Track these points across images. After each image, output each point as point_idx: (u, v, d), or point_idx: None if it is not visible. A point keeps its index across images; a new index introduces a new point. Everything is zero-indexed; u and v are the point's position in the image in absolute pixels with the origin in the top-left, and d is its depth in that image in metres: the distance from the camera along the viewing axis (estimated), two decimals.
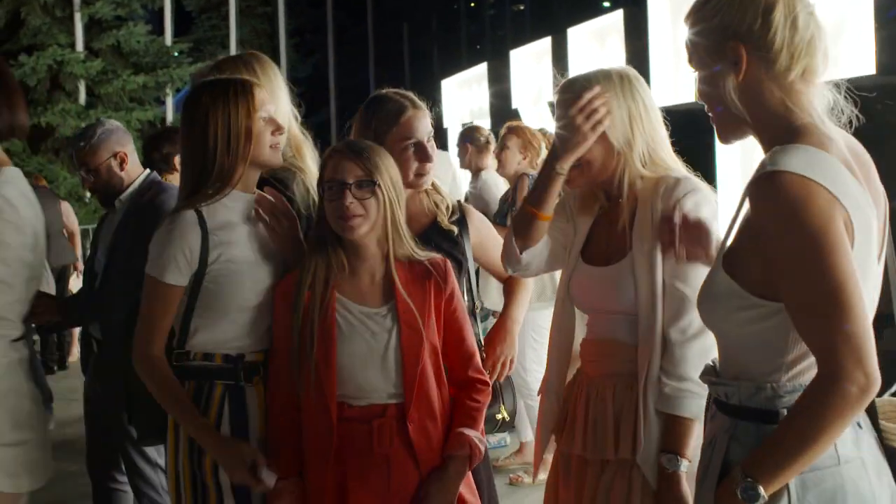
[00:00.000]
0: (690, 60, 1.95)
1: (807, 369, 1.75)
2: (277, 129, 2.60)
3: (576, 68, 8.92)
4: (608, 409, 2.42)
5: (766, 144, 1.85)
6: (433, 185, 2.92)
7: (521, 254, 2.59)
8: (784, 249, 1.70)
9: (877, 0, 4.97)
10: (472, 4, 35.73)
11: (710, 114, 1.95)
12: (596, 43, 8.68)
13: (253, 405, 2.55)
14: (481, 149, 6.60)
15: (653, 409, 2.34)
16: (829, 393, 1.63)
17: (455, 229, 2.91)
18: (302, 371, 2.45)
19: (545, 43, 9.90)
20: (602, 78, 2.45)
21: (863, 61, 5.07)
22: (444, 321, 2.52)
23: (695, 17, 1.91)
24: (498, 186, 6.48)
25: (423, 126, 2.81)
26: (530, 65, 10.39)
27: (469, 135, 6.69)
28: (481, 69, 12.60)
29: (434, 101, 2.97)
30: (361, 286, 2.50)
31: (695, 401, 2.28)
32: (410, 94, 2.86)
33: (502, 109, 10.90)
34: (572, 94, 2.41)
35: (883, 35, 4.95)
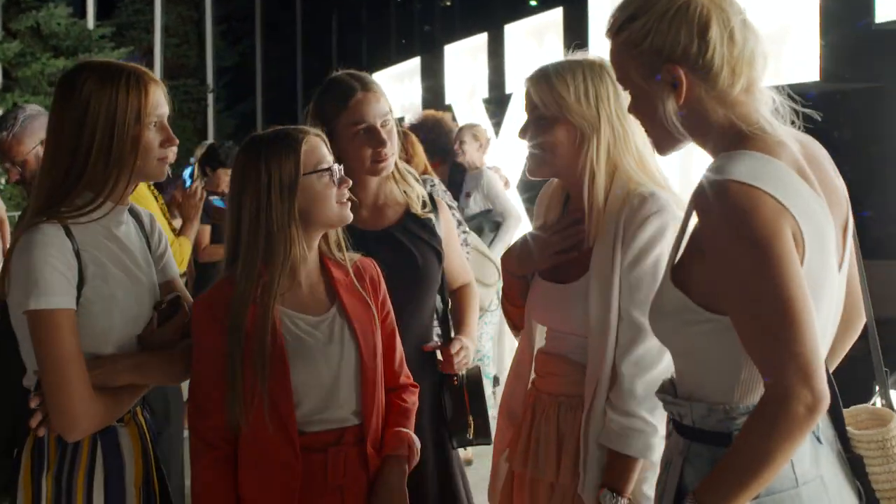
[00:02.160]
0: (620, 80, 1.84)
1: (757, 388, 1.66)
2: (168, 140, 2.22)
3: (512, 65, 8.94)
4: (552, 431, 2.34)
5: (714, 153, 1.75)
6: (402, 171, 2.75)
7: (515, 333, 2.61)
8: (728, 262, 1.61)
9: (822, 7, 4.97)
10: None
11: (644, 127, 1.86)
12: (534, 40, 8.61)
13: (127, 447, 2.16)
14: (481, 147, 6.48)
15: (595, 440, 2.25)
16: (777, 413, 1.55)
17: (432, 217, 2.75)
18: (249, 401, 2.10)
19: (481, 39, 9.81)
20: (569, 66, 2.31)
21: (807, 67, 5.06)
22: (381, 323, 2.33)
23: (618, 35, 1.78)
24: (500, 184, 6.39)
25: (376, 109, 2.61)
26: (465, 60, 10.30)
27: (472, 131, 6.51)
28: (414, 63, 12.50)
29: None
30: (301, 293, 2.22)
31: (640, 439, 2.19)
32: (364, 76, 2.68)
33: (435, 105, 10.78)
34: (545, 84, 2.28)
35: (827, 42, 4.93)
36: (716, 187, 1.61)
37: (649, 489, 2.21)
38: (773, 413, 1.55)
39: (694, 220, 1.74)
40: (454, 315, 2.85)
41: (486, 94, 9.50)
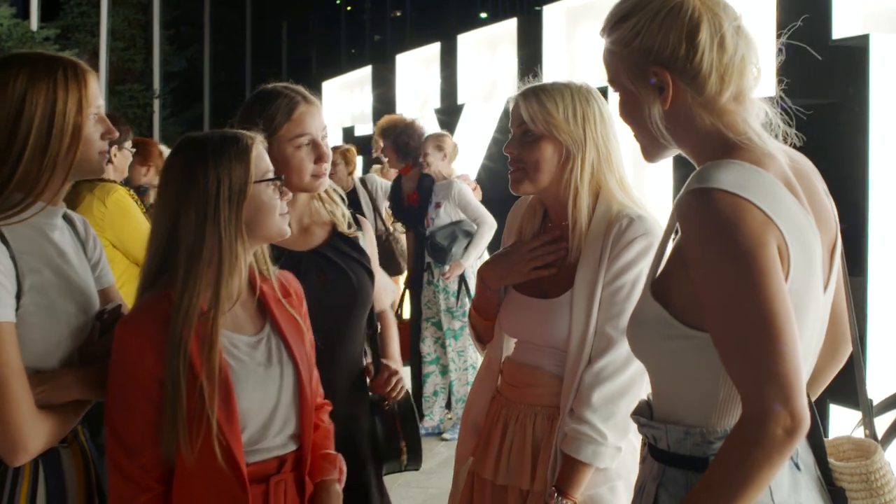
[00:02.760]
0: (610, 81, 1.78)
1: (738, 410, 1.58)
2: (108, 131, 2.12)
3: (465, 75, 8.86)
4: (527, 438, 2.37)
5: (700, 163, 1.69)
6: (328, 189, 2.64)
7: (484, 350, 2.58)
8: (709, 274, 1.53)
9: (778, 23, 4.94)
10: (349, 8, 35.51)
11: (633, 133, 1.80)
12: (487, 51, 8.54)
13: (70, 470, 2.03)
14: (446, 157, 6.45)
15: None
16: (754, 436, 1.47)
17: (360, 235, 2.67)
18: (194, 432, 1.90)
19: (434, 48, 9.72)
20: (559, 87, 2.40)
21: (762, 83, 5.03)
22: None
23: (611, 34, 1.74)
24: (470, 192, 6.37)
25: (318, 122, 2.53)
26: (417, 70, 10.20)
27: (436, 142, 6.46)
28: (365, 72, 12.36)
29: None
30: (235, 311, 2.05)
31: (591, 446, 2.24)
32: (301, 89, 2.57)
33: (386, 114, 10.66)
34: (535, 101, 2.35)
35: (783, 57, 4.90)
36: (700, 196, 1.54)
37: (612, 497, 2.31)
38: (750, 436, 1.48)
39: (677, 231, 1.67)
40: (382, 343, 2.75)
41: (437, 105, 9.41)
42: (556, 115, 2.32)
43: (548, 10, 7.19)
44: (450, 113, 8.90)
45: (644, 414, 1.76)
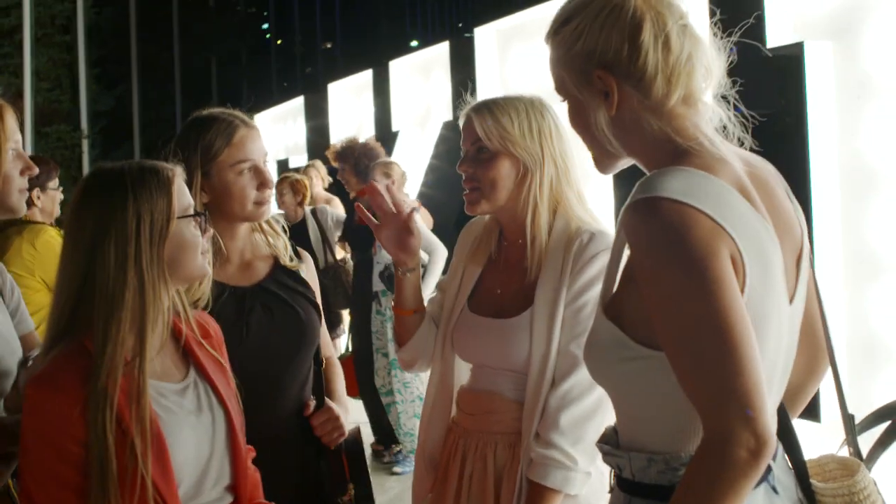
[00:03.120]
0: (556, 88, 1.70)
1: (699, 433, 1.47)
2: (28, 167, 2.04)
3: (398, 102, 8.77)
4: (488, 468, 2.27)
5: (650, 171, 1.59)
6: (269, 220, 2.50)
7: (398, 350, 2.50)
8: (659, 288, 1.44)
9: (712, 31, 4.91)
10: (279, 42, 35.38)
11: (585, 143, 1.71)
12: (420, 76, 8.46)
13: None
14: (394, 183, 6.35)
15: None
16: (716, 460, 1.37)
17: (302, 268, 2.53)
18: (122, 494, 1.72)
19: (366, 76, 9.62)
20: (511, 101, 2.32)
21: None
22: None
23: (554, 39, 1.66)
24: (420, 221, 6.19)
25: (259, 147, 2.39)
26: (349, 98, 10.10)
27: (384, 169, 6.39)
28: (297, 103, 12.23)
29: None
30: (157, 357, 1.89)
31: (560, 471, 2.15)
32: (239, 113, 2.44)
33: (320, 145, 10.55)
34: (489, 117, 2.27)
35: (734, 59, 4.87)
36: (644, 206, 1.44)
37: None
38: (712, 460, 1.37)
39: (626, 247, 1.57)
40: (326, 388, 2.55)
41: (372, 132, 9.30)
42: (511, 131, 2.24)
43: (479, 33, 7.13)
44: (385, 140, 8.77)
45: (610, 441, 1.65)
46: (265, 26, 37.46)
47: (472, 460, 2.29)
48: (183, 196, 1.89)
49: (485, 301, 2.35)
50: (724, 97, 1.62)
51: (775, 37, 4.30)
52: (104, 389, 1.72)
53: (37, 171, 2.09)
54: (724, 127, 1.61)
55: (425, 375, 6.17)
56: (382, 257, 6.17)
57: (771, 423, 1.37)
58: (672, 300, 1.42)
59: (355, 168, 6.58)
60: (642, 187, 1.47)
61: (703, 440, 1.40)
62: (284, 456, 2.31)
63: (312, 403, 2.38)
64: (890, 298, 3.92)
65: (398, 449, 6.46)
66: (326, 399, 2.42)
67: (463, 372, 2.43)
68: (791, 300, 1.56)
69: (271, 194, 2.40)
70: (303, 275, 2.50)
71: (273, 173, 11.01)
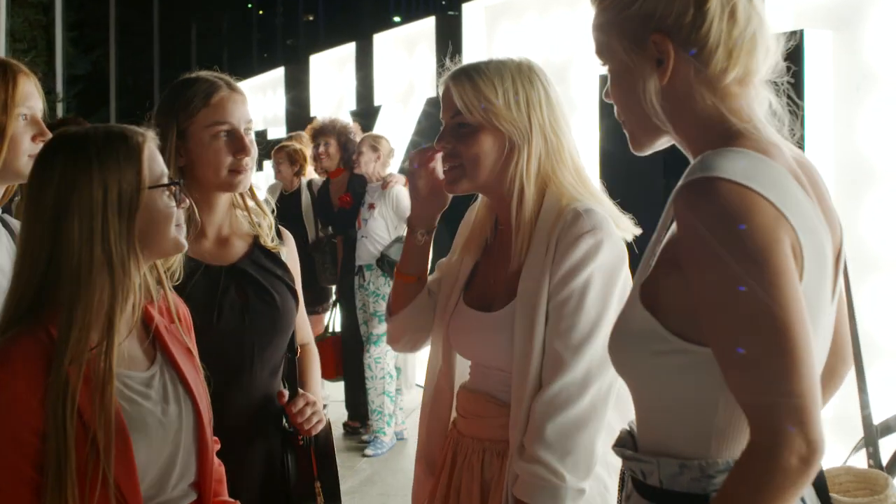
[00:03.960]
0: (599, 52, 1.55)
1: (741, 438, 1.37)
2: (41, 133, 1.99)
3: (381, 76, 8.61)
4: (475, 478, 2.04)
5: (694, 154, 1.47)
6: (258, 200, 2.34)
7: (388, 318, 2.25)
8: (713, 276, 1.31)
9: None
10: (261, 12, 35.02)
11: (620, 118, 1.56)
12: (404, 50, 8.30)
13: None
14: (380, 158, 6.27)
15: None
16: (765, 466, 1.26)
17: (283, 251, 2.35)
18: (81, 492, 1.56)
19: (349, 49, 9.45)
20: (496, 66, 2.03)
21: None
22: None
23: (608, 1, 1.51)
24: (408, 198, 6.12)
25: (240, 112, 2.21)
26: (331, 71, 9.93)
27: (372, 143, 6.27)
28: (277, 74, 12.04)
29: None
30: (122, 343, 1.71)
31: (547, 490, 1.88)
32: (226, 76, 2.27)
33: (299, 117, 10.38)
34: (469, 86, 2.00)
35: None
36: (702, 186, 1.31)
37: None
38: (760, 466, 1.26)
39: (671, 228, 1.45)
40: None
41: (353, 106, 9.15)
42: (494, 102, 1.98)
43: (467, 9, 6.99)
44: (366, 115, 8.64)
45: (627, 445, 1.52)
46: None
47: (459, 468, 2.09)
48: (155, 164, 1.72)
49: (478, 293, 2.13)
50: (774, 83, 1.50)
51: (775, 24, 4.19)
52: (66, 378, 1.57)
53: (49, 136, 1.99)
54: (774, 113, 1.49)
55: (398, 354, 6.12)
56: (367, 230, 6.06)
57: (823, 429, 1.27)
58: (728, 290, 1.29)
59: (345, 146, 6.46)
60: (700, 166, 1.34)
61: (750, 444, 1.29)
62: (249, 448, 2.16)
63: (286, 394, 2.23)
64: (883, 295, 3.84)
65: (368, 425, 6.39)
66: (300, 390, 2.26)
67: (465, 369, 2.19)
68: (832, 299, 1.46)
69: (250, 163, 2.21)
70: (283, 257, 2.34)
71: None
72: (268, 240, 2.30)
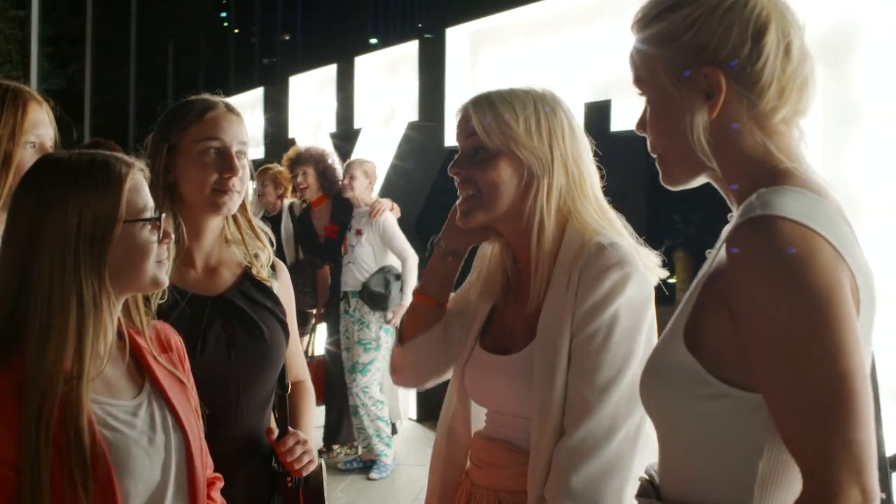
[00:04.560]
0: (639, 81, 1.50)
1: (787, 486, 1.33)
2: None
3: (362, 99, 8.56)
4: None
5: (738, 192, 1.42)
6: (255, 229, 2.26)
7: (401, 346, 2.09)
8: (770, 319, 1.26)
9: None
10: (236, 31, 34.94)
11: (655, 151, 1.51)
12: (386, 74, 8.26)
13: None
14: (371, 183, 6.24)
15: None
16: None
17: (275, 283, 2.26)
18: None
19: (330, 71, 9.39)
20: (518, 94, 1.94)
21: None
22: None
23: (653, 26, 1.45)
24: (395, 225, 6.11)
25: (234, 131, 2.14)
26: (311, 93, 9.87)
27: (363, 167, 6.22)
28: (256, 94, 11.97)
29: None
30: (104, 372, 1.67)
31: None
32: (228, 100, 2.21)
33: (278, 138, 10.30)
34: (490, 110, 1.91)
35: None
36: (763, 224, 1.27)
37: None
38: None
39: (714, 264, 1.41)
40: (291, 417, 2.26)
41: (333, 129, 9.09)
42: (515, 127, 1.88)
43: (451, 33, 6.96)
44: (346, 137, 8.59)
45: (649, 495, 1.46)
46: (225, 14, 36.98)
47: None
48: (138, 196, 1.66)
49: (495, 336, 2.02)
50: None
51: None
52: (38, 410, 1.52)
53: None
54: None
55: (382, 378, 6.03)
56: (354, 256, 6.00)
57: (877, 478, 1.23)
58: (787, 334, 1.25)
59: (324, 174, 6.39)
60: (759, 204, 1.30)
61: (805, 494, 1.24)
62: (231, 489, 2.04)
63: (275, 431, 2.13)
64: (881, 332, 3.80)
65: (340, 451, 6.35)
66: (290, 428, 2.16)
67: (480, 415, 2.07)
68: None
69: (237, 185, 2.13)
70: (275, 290, 2.25)
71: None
72: (262, 272, 2.22)
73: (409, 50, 7.90)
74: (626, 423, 1.77)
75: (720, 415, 1.34)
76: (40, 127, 2.04)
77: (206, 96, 2.18)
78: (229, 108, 2.17)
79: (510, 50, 6.39)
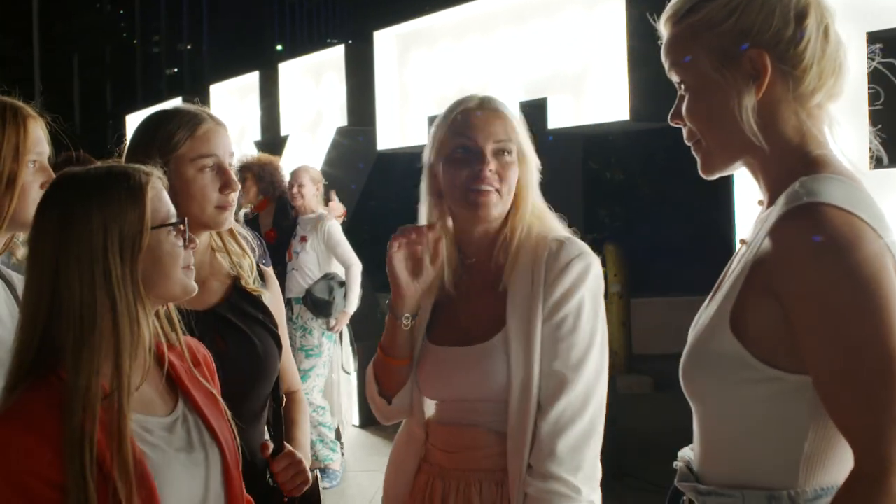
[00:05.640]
0: (677, 69, 1.54)
1: (830, 465, 1.38)
2: (49, 181, 1.88)
3: (288, 105, 8.48)
4: None
5: (773, 179, 1.47)
6: (236, 235, 2.22)
7: (390, 404, 2.16)
8: (818, 303, 1.31)
9: (630, 45, 4.86)
10: (135, 42, 34.36)
11: (693, 139, 1.55)
12: (311, 79, 8.20)
13: None
14: (318, 191, 6.18)
15: None
16: (872, 491, 1.26)
17: (265, 293, 2.22)
18: None
19: (252, 78, 9.29)
20: (500, 100, 2.11)
21: (616, 107, 4.94)
22: None
23: (693, 15, 1.50)
24: (340, 232, 6.08)
25: (225, 145, 2.10)
26: (233, 101, 9.74)
27: (313, 175, 6.18)
28: (175, 104, 11.74)
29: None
30: (141, 387, 1.65)
31: (561, 503, 1.91)
32: (208, 110, 2.16)
33: None
34: (505, 115, 2.07)
35: (636, 80, 4.82)
36: (810, 212, 1.32)
37: None
38: (867, 491, 1.26)
39: (753, 253, 1.43)
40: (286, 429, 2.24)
41: (258, 136, 8.99)
42: (521, 132, 2.07)
43: (378, 36, 6.95)
44: (272, 144, 8.50)
45: (689, 479, 1.48)
46: (130, 25, 36.28)
47: (455, 501, 2.05)
48: (160, 203, 1.64)
49: (447, 330, 2.11)
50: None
51: None
52: (81, 427, 1.49)
53: None
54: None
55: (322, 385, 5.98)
56: (298, 263, 5.96)
57: None
58: (838, 316, 1.29)
59: (261, 178, 6.33)
60: (804, 191, 1.35)
61: (857, 471, 1.28)
62: None
63: (270, 446, 2.07)
64: None
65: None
66: (286, 444, 2.11)
67: (428, 405, 2.17)
68: None
69: (235, 199, 2.10)
70: (265, 300, 2.22)
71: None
72: (249, 281, 2.18)
73: (334, 55, 7.86)
74: (596, 393, 1.98)
75: (766, 398, 1.38)
76: (40, 144, 1.97)
77: (187, 108, 2.12)
78: (215, 120, 2.12)
79: (440, 51, 6.40)
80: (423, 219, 2.14)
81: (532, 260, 2.02)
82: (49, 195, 1.62)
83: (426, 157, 2.14)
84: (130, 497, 1.50)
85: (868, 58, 1.58)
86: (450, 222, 2.12)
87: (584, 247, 2.04)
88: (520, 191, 2.07)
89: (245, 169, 6.31)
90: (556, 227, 2.10)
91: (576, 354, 1.96)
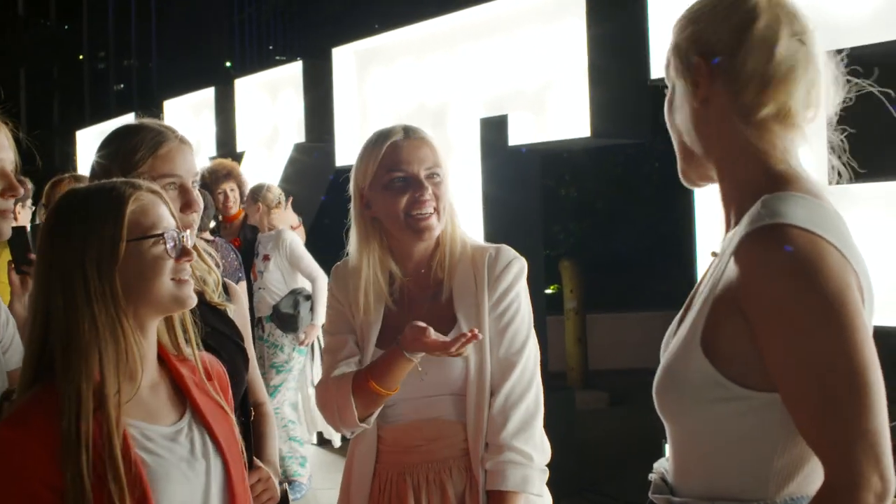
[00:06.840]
0: (665, 73, 1.61)
1: (801, 477, 1.41)
2: (10, 188, 1.90)
3: (244, 122, 8.45)
4: (447, 494, 2.21)
5: (737, 193, 1.49)
6: (200, 251, 2.21)
7: (361, 422, 2.24)
8: (785, 323, 1.34)
9: (591, 62, 4.90)
10: (80, 57, 34.00)
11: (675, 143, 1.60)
12: (268, 95, 8.17)
13: None
14: (269, 209, 6.12)
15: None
16: None
17: (230, 307, 2.22)
18: None
19: (207, 94, 9.23)
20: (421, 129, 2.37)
21: (576, 124, 4.98)
22: None
23: (677, 23, 1.57)
24: (301, 246, 6.05)
25: (189, 165, 2.09)
26: (187, 116, 9.68)
27: (259, 193, 6.12)
28: (127, 121, 11.63)
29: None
30: (142, 397, 1.69)
31: (517, 471, 2.15)
32: (174, 127, 2.14)
33: None
34: (431, 142, 2.33)
35: (596, 97, 4.87)
36: (772, 233, 1.34)
37: None
38: None
39: (722, 275, 1.44)
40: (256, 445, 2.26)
41: (213, 152, 8.93)
42: (442, 155, 2.31)
43: (337, 53, 6.95)
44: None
45: (663, 492, 1.51)
46: (78, 40, 35.88)
47: (427, 492, 2.22)
48: (144, 216, 1.65)
49: (391, 338, 2.22)
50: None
51: (660, 69, 4.32)
52: (76, 431, 1.54)
53: (21, 192, 1.95)
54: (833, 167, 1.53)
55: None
56: (264, 282, 5.94)
57: (892, 465, 1.30)
58: (803, 335, 1.32)
59: (240, 184, 6.29)
60: (765, 213, 1.37)
61: (827, 485, 1.31)
62: None
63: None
64: None
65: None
66: (255, 459, 2.12)
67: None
68: None
69: (196, 219, 2.08)
70: (230, 314, 2.21)
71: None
72: (214, 296, 2.17)
73: (292, 71, 7.84)
74: (537, 372, 2.26)
75: (737, 415, 1.40)
76: (3, 151, 1.93)
77: (152, 124, 2.10)
78: (179, 138, 2.10)
79: (399, 68, 6.41)
80: (353, 242, 2.32)
81: (471, 265, 2.28)
82: (49, 211, 1.68)
83: (354, 184, 2.30)
84: (122, 500, 1.53)
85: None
86: (384, 242, 2.31)
87: (513, 251, 2.32)
88: (448, 207, 2.29)
89: (228, 176, 6.23)
90: (468, 233, 2.38)
91: (519, 339, 2.22)
